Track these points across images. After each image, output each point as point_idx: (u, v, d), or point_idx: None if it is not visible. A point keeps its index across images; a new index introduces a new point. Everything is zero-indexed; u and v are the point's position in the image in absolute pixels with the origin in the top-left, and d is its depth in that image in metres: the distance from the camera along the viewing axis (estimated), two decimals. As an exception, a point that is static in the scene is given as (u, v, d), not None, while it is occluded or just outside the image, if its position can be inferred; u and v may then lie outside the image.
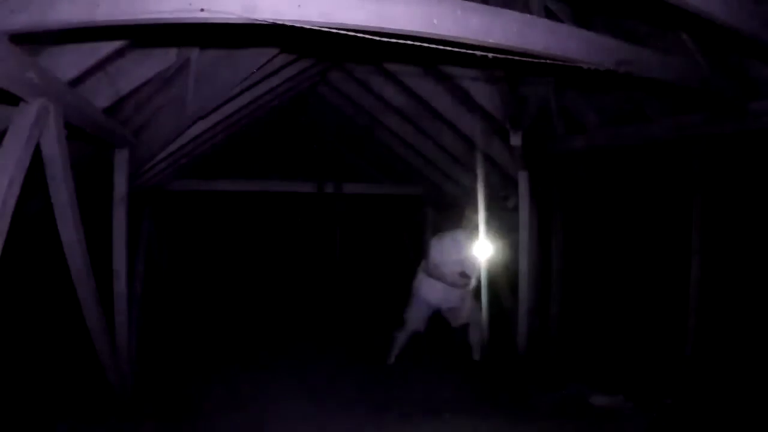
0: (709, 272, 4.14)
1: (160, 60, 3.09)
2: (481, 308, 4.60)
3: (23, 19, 1.71)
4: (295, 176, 9.38)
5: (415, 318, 4.62)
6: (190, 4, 1.63)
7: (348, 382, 4.36)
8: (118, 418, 3.38)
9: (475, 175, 5.92)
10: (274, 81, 4.38)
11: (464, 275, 4.43)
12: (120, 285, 3.63)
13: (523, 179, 4.70)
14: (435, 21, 1.81)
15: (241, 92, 4.04)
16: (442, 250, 4.55)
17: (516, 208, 4.83)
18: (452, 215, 5.66)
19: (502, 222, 5.90)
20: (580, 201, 5.43)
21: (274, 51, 3.49)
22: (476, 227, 4.53)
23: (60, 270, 2.86)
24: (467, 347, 4.72)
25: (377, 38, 1.82)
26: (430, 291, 4.58)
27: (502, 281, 5.99)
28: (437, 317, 4.77)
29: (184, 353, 5.11)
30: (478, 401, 3.94)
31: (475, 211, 4.70)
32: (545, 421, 3.58)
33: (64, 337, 4.65)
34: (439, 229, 8.12)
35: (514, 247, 4.85)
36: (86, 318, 2.98)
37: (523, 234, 4.69)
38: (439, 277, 4.49)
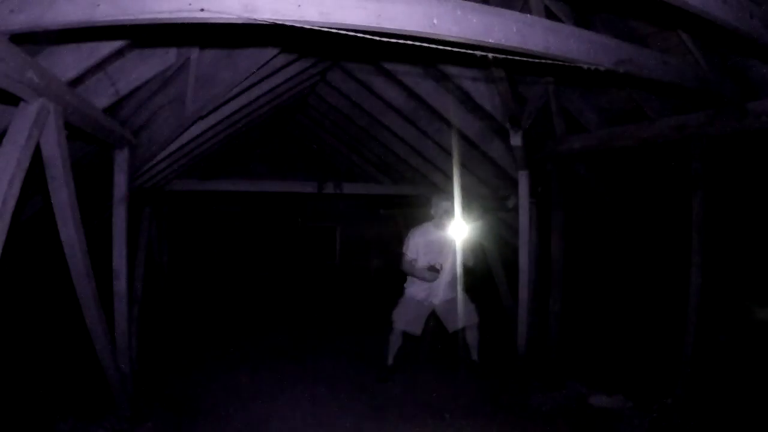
0: (710, 272, 4.14)
1: (160, 60, 3.09)
2: (476, 309, 4.54)
3: (23, 19, 1.71)
4: (295, 176, 9.41)
5: (404, 317, 4.47)
6: (190, 4, 1.63)
7: (348, 382, 4.37)
8: (118, 418, 3.39)
9: (475, 175, 5.95)
10: (274, 81, 4.38)
11: (432, 269, 4.30)
12: (120, 285, 3.62)
13: (523, 179, 4.69)
14: (435, 21, 1.80)
15: (241, 92, 4.04)
16: (412, 245, 4.46)
17: (516, 208, 4.82)
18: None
19: (502, 222, 5.91)
20: (580, 201, 5.43)
21: (274, 51, 3.49)
22: (447, 214, 4.46)
23: (60, 270, 2.86)
24: (467, 348, 4.68)
25: (377, 38, 1.82)
26: (415, 288, 4.49)
27: (502, 281, 6.00)
28: (435, 322, 4.72)
29: (184, 353, 5.11)
30: (478, 401, 3.94)
31: (445, 197, 4.64)
32: (545, 421, 3.58)
33: (64, 337, 4.65)
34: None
35: (513, 246, 4.85)
36: (86, 318, 2.98)
37: (523, 234, 4.69)
38: (413, 274, 4.40)
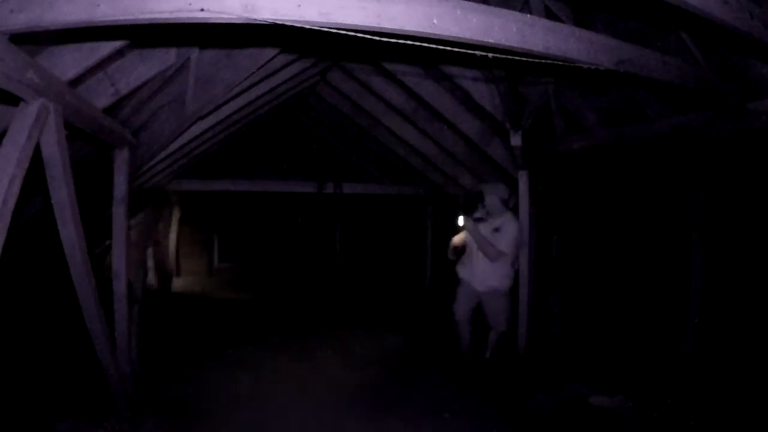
0: (710, 272, 4.14)
1: (160, 60, 3.09)
2: (508, 315, 4.56)
3: (23, 19, 1.71)
4: (295, 176, 9.41)
5: (461, 306, 4.62)
6: (190, 4, 1.63)
7: (349, 381, 4.36)
8: (118, 418, 3.39)
9: (475, 175, 5.95)
10: (274, 81, 4.38)
11: (453, 250, 4.61)
12: (120, 285, 3.62)
13: (523, 179, 4.69)
14: (435, 21, 1.80)
15: (241, 92, 4.04)
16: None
17: (516, 208, 4.82)
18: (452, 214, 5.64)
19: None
20: (580, 201, 5.43)
21: (274, 51, 3.49)
22: (497, 201, 4.50)
23: (60, 270, 2.86)
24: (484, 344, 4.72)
25: (377, 38, 1.82)
26: (461, 267, 4.65)
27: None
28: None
29: (184, 353, 5.11)
30: (478, 401, 3.94)
31: (501, 184, 4.74)
32: (545, 421, 3.58)
33: (64, 337, 4.65)
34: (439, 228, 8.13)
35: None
36: (86, 318, 2.98)
37: (523, 233, 4.68)
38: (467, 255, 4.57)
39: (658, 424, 3.40)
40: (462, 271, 4.66)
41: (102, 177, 3.85)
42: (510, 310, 4.54)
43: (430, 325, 6.38)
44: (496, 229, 4.38)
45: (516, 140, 4.47)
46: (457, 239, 4.71)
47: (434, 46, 1.89)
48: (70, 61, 2.43)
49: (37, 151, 2.24)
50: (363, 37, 1.79)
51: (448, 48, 1.92)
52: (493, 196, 4.47)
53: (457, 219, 4.48)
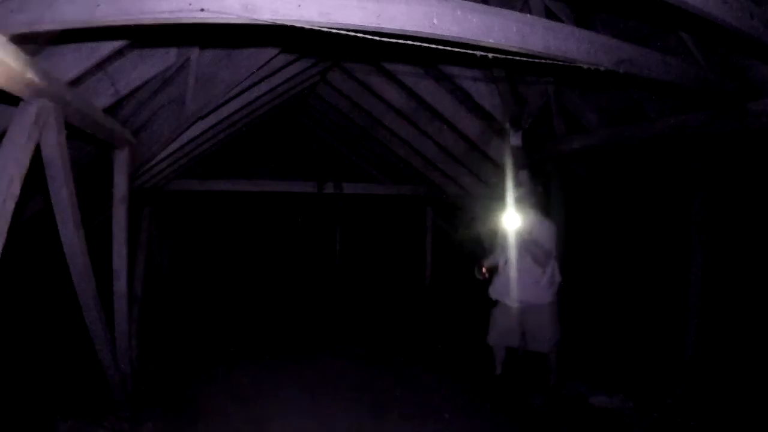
0: (710, 272, 4.14)
1: (160, 60, 3.09)
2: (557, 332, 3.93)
3: (23, 19, 1.71)
4: (295, 176, 9.41)
5: (494, 330, 4.01)
6: (190, 4, 1.63)
7: (348, 382, 4.37)
8: (118, 418, 3.39)
9: (476, 175, 5.95)
10: (274, 81, 4.38)
11: (479, 268, 3.93)
12: (120, 285, 3.63)
13: (523, 179, 4.68)
14: (435, 21, 1.80)
15: (241, 92, 4.04)
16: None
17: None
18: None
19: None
20: (579, 201, 5.43)
21: (274, 51, 3.49)
22: (525, 191, 3.92)
23: (60, 270, 2.86)
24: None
25: (377, 38, 1.82)
26: (495, 288, 4.01)
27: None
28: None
29: (184, 353, 5.11)
30: (478, 401, 3.94)
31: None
32: (545, 421, 3.58)
33: (64, 337, 4.65)
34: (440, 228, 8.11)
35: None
36: (86, 318, 2.98)
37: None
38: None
39: (658, 424, 3.41)
40: (496, 290, 4.00)
41: (102, 177, 3.85)
42: (556, 328, 3.90)
43: (430, 324, 6.38)
44: (528, 233, 3.77)
45: (516, 140, 4.47)
46: (489, 262, 4.06)
47: (434, 46, 1.89)
48: (70, 61, 2.43)
49: (37, 151, 2.24)
50: (363, 37, 1.79)
51: (448, 48, 1.92)
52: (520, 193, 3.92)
53: (503, 217, 3.78)
